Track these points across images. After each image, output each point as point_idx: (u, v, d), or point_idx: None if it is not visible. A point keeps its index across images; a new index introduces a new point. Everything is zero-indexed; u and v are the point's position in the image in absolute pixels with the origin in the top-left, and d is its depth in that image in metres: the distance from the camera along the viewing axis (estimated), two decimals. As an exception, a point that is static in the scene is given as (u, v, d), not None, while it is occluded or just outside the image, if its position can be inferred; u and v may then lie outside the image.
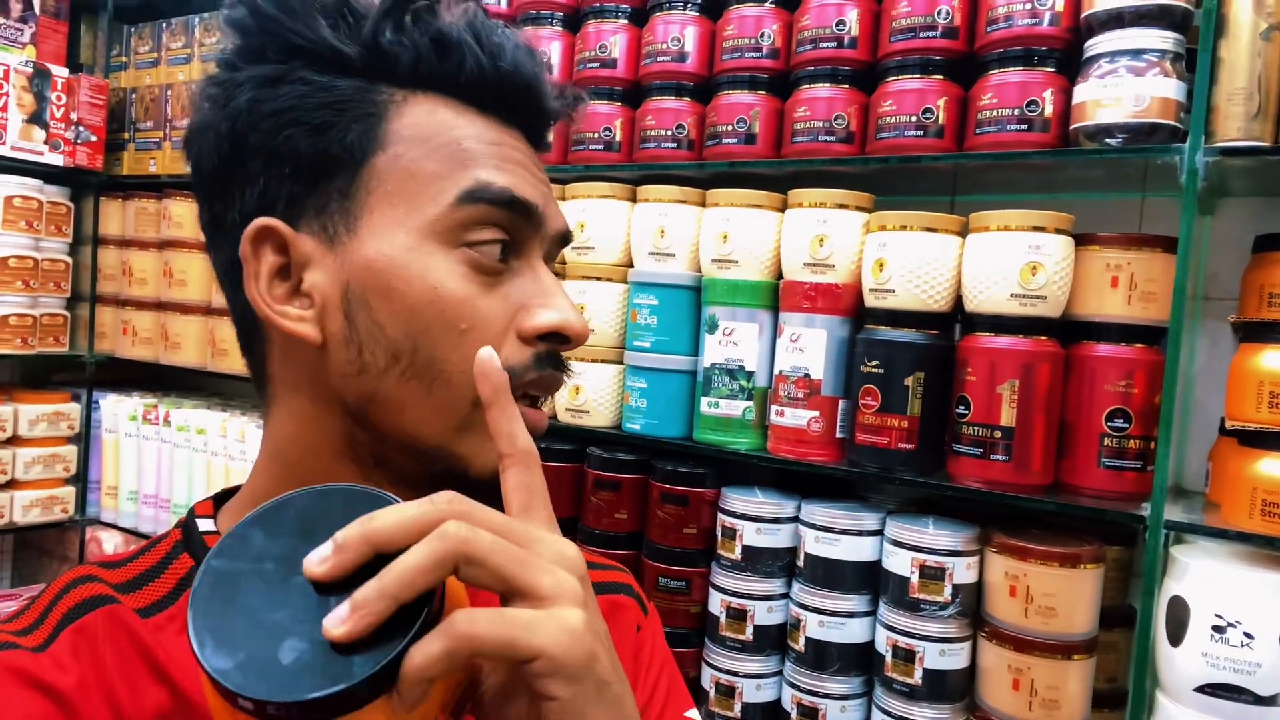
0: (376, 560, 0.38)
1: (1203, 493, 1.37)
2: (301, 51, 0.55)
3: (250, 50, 0.55)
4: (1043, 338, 1.28)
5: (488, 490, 0.53)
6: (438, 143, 0.55)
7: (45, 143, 2.31)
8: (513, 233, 0.56)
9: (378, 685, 0.37)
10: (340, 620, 0.37)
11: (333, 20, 0.55)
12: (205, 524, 0.60)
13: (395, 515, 0.39)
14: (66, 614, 0.54)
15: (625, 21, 1.66)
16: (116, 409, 2.40)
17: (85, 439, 2.49)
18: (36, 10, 2.36)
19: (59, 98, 2.33)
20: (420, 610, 0.38)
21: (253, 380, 0.61)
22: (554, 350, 0.57)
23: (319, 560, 0.38)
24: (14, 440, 2.33)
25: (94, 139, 2.40)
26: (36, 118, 2.29)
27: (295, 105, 0.54)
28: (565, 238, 0.62)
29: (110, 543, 2.40)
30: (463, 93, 0.57)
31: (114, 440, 2.41)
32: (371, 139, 0.55)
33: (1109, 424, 1.26)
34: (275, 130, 0.54)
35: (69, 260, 2.43)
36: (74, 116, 2.36)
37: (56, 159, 2.33)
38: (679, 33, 1.58)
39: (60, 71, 2.34)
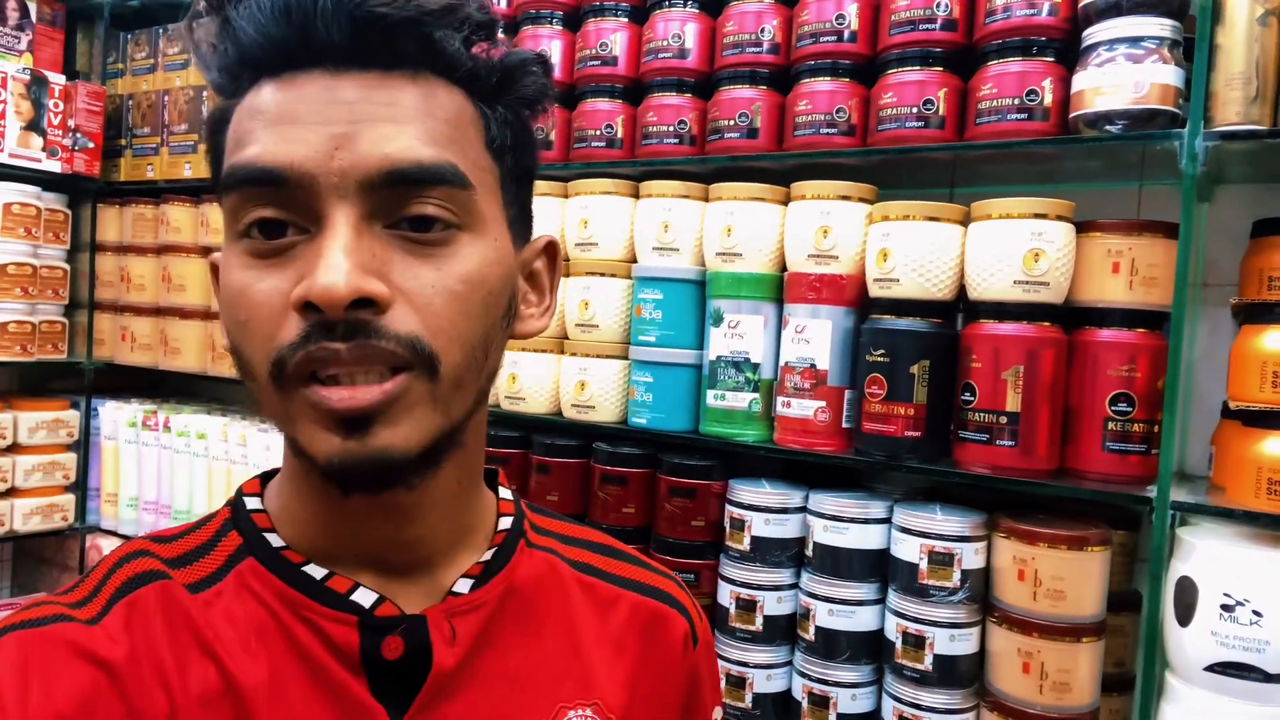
0: None
1: (1206, 476, 1.39)
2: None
3: None
4: (1046, 324, 1.29)
5: (334, 479, 0.51)
6: (237, 133, 0.53)
7: (43, 150, 2.31)
8: (287, 204, 0.50)
9: None
10: None
11: (209, 53, 0.54)
12: (253, 502, 0.60)
13: None
14: (120, 587, 0.55)
15: (625, 19, 1.67)
16: (116, 415, 2.40)
17: (85, 446, 2.48)
18: (33, 18, 2.36)
19: (56, 105, 2.33)
20: None
21: None
22: (326, 320, 0.48)
23: None
24: (14, 448, 2.32)
25: (91, 145, 2.40)
26: (34, 125, 2.29)
27: (213, 114, 0.56)
28: (396, 175, 0.50)
29: (109, 550, 2.39)
30: (260, 69, 0.52)
31: (113, 447, 2.40)
32: (223, 143, 0.55)
33: (1113, 408, 1.27)
34: (211, 162, 0.57)
35: (67, 267, 2.43)
36: (71, 123, 2.36)
37: (54, 166, 2.33)
38: (679, 29, 1.59)
39: (57, 79, 2.34)
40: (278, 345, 0.49)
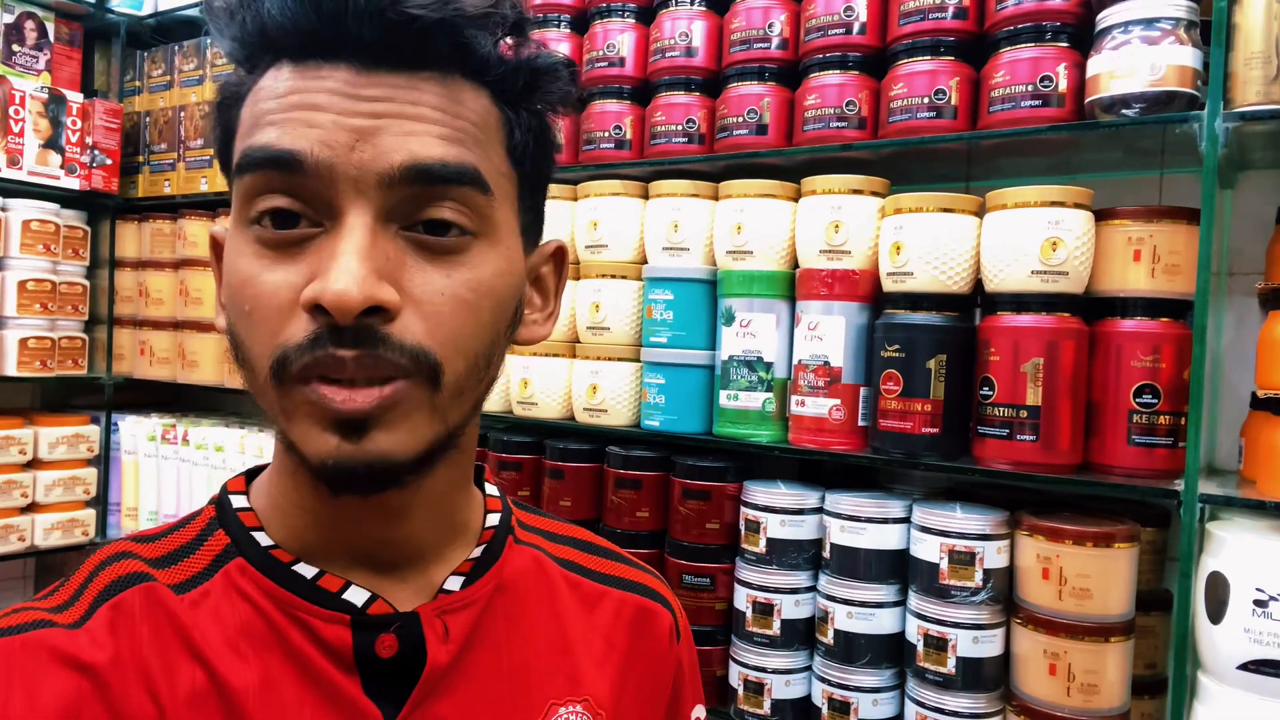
0: None
1: (1236, 470, 1.34)
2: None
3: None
4: (1066, 314, 1.26)
5: (326, 480, 0.50)
6: (251, 116, 0.51)
7: (61, 167, 2.33)
8: (301, 194, 0.49)
9: None
10: None
11: (225, 18, 0.53)
12: (238, 500, 0.59)
13: None
14: (103, 591, 0.53)
15: (632, 20, 1.66)
16: (135, 430, 2.41)
17: (105, 461, 2.49)
18: (51, 38, 2.39)
19: (74, 123, 2.35)
20: None
21: None
22: (332, 323, 0.47)
23: None
24: (34, 463, 2.33)
25: (109, 162, 2.42)
26: (52, 143, 2.31)
27: (220, 95, 0.55)
28: (416, 173, 0.49)
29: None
30: (281, 51, 0.51)
31: (133, 461, 2.41)
32: (234, 122, 0.53)
33: (1137, 400, 1.24)
34: (212, 115, 0.56)
35: (86, 283, 2.44)
36: (89, 141, 2.38)
37: (73, 183, 2.35)
38: (687, 28, 1.58)
39: (75, 97, 2.37)
40: (282, 343, 0.48)
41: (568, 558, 0.67)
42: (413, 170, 0.48)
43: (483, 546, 0.61)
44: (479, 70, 0.52)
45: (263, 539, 0.56)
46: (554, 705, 0.60)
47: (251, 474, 0.62)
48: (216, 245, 0.57)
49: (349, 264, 0.47)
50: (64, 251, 2.36)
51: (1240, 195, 1.41)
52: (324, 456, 0.48)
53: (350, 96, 0.49)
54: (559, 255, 0.63)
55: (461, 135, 0.51)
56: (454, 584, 0.58)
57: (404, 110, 0.49)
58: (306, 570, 0.55)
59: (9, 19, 2.27)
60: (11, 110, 2.22)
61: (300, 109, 0.49)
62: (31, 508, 2.33)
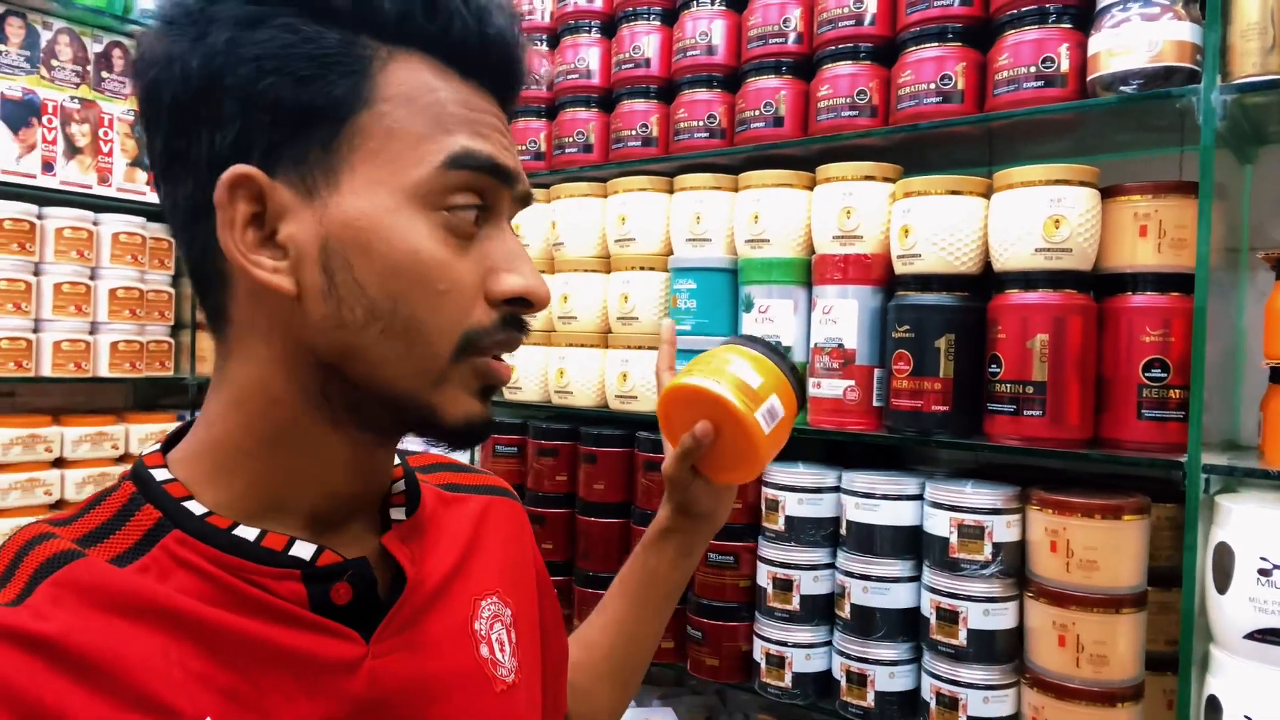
0: None
1: (1256, 446, 1.33)
2: None
3: None
4: (1072, 290, 1.28)
5: (456, 438, 0.59)
6: (422, 104, 0.55)
7: (147, 184, 2.52)
8: (487, 198, 0.57)
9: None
10: None
11: None
12: (160, 474, 0.58)
13: None
14: (38, 570, 0.51)
15: (657, 22, 1.73)
16: (216, 426, 2.57)
17: (189, 456, 2.67)
18: (137, 65, 2.59)
19: (158, 142, 2.54)
20: None
21: (206, 321, 0.60)
22: (517, 313, 0.59)
23: None
24: (124, 458, 2.52)
25: (190, 178, 2.60)
26: (139, 161, 2.51)
27: (280, 53, 0.52)
28: (527, 199, 0.62)
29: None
30: (445, 54, 0.56)
31: (214, 456, 2.58)
32: (357, 95, 0.54)
33: (1147, 375, 1.24)
34: (257, 76, 0.52)
35: (171, 291, 2.63)
36: (172, 158, 2.57)
37: (157, 199, 2.53)
38: (707, 27, 1.64)
39: (159, 118, 2.55)
40: (472, 324, 0.56)
41: (438, 480, 0.74)
42: (527, 199, 0.62)
43: (403, 480, 0.67)
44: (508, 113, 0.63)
45: (195, 508, 0.56)
46: (477, 600, 0.67)
47: (166, 448, 0.61)
48: (247, 182, 0.53)
49: (533, 267, 0.59)
50: (150, 262, 2.54)
51: (1261, 170, 1.40)
52: (473, 416, 0.58)
53: (506, 129, 0.60)
54: None
55: None
56: (399, 514, 0.64)
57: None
58: (248, 533, 0.55)
59: (99, 49, 2.46)
60: (101, 132, 2.42)
61: (490, 128, 0.58)
62: (124, 499, 2.52)
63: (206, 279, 0.58)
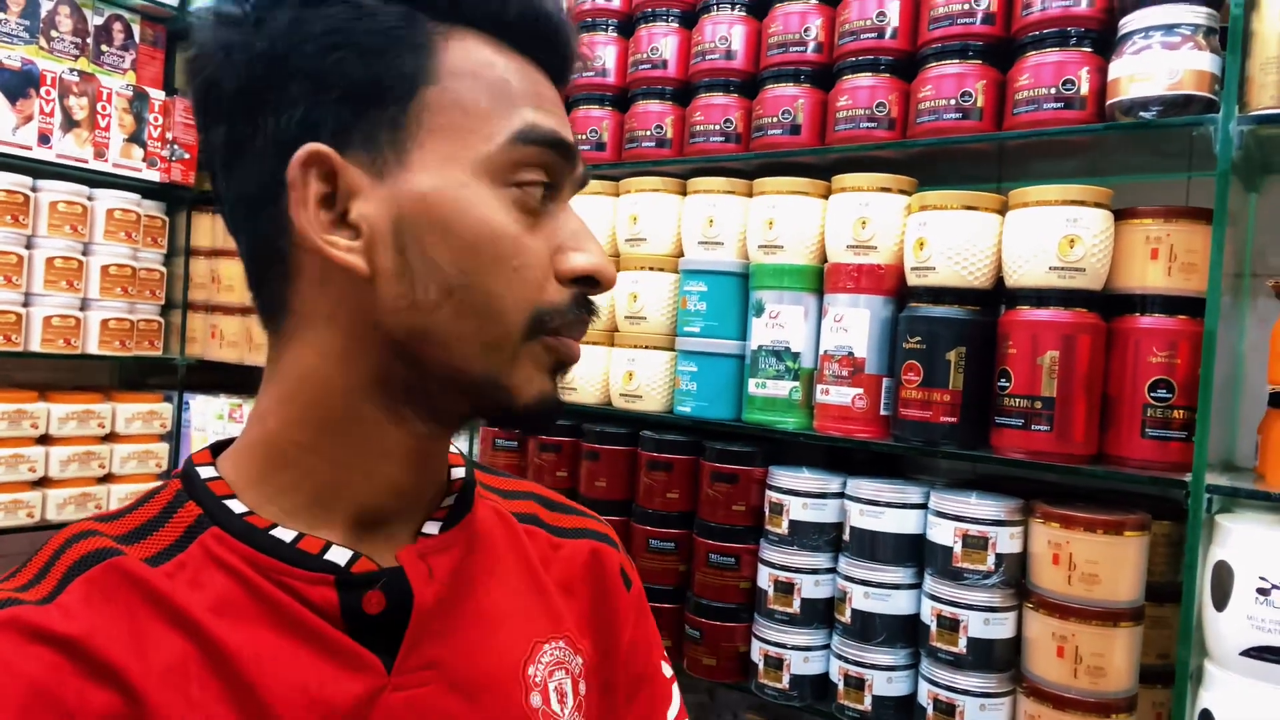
0: None
1: (1253, 468, 1.37)
2: None
3: None
4: (1083, 310, 1.30)
5: (530, 420, 0.58)
6: (486, 80, 0.54)
7: (143, 160, 2.49)
8: (552, 175, 0.57)
9: None
10: None
11: None
12: (206, 471, 0.58)
13: None
14: (72, 567, 0.52)
15: (675, 24, 1.74)
16: (205, 409, 2.56)
17: (176, 437, 2.65)
18: (136, 39, 2.56)
19: (156, 119, 2.51)
20: None
21: (261, 314, 0.59)
22: (586, 293, 0.58)
23: None
24: (111, 437, 2.49)
25: (187, 157, 2.58)
26: (135, 137, 2.47)
27: (345, 28, 0.52)
28: (584, 181, 0.61)
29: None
30: (502, 31, 0.56)
31: (203, 438, 2.56)
32: (423, 70, 0.53)
33: (1152, 395, 1.27)
34: (323, 52, 0.52)
35: (163, 270, 2.60)
36: (169, 136, 2.54)
37: (153, 175, 2.51)
38: (727, 31, 1.65)
39: (157, 95, 2.53)
40: (544, 301, 0.55)
41: (523, 511, 0.70)
42: (585, 180, 0.62)
43: (454, 496, 0.63)
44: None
45: (236, 506, 0.56)
46: (538, 643, 0.62)
47: (217, 449, 0.61)
48: (320, 160, 0.53)
49: (600, 247, 0.58)
50: (144, 239, 2.51)
51: (1266, 199, 1.43)
52: (546, 395, 0.57)
53: (562, 105, 0.60)
54: None
55: None
56: (432, 529, 0.60)
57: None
58: (285, 534, 0.55)
59: (99, 21, 2.43)
60: (99, 106, 2.38)
61: (550, 103, 0.57)
62: (108, 478, 2.49)
63: (268, 268, 0.57)
